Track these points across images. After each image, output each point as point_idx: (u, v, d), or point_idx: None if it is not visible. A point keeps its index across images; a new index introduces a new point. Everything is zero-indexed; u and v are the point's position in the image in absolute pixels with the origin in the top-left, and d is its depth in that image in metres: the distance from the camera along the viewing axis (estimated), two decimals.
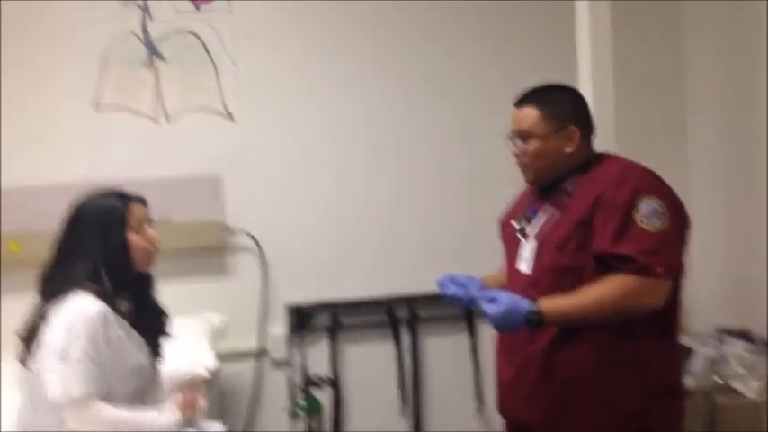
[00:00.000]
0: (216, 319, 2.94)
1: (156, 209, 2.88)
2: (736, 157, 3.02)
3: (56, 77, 2.97)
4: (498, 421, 2.34)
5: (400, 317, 3.21)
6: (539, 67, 3.14)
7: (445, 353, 3.26)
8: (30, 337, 1.92)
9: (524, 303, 1.82)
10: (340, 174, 3.18)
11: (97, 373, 1.86)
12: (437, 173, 3.24)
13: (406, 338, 3.23)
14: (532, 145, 1.98)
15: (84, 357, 1.84)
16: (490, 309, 1.82)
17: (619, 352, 1.91)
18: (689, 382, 2.64)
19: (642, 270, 1.81)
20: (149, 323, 2.06)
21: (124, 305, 1.97)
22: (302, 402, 3.00)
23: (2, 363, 2.35)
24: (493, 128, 3.13)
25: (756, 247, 2.91)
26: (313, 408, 2.97)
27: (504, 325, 1.84)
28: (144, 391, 2.03)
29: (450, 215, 3.24)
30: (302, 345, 3.15)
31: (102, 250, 1.94)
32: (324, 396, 3.11)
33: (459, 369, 3.25)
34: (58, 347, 1.84)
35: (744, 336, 2.80)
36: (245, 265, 3.12)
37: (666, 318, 1.94)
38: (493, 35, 3.23)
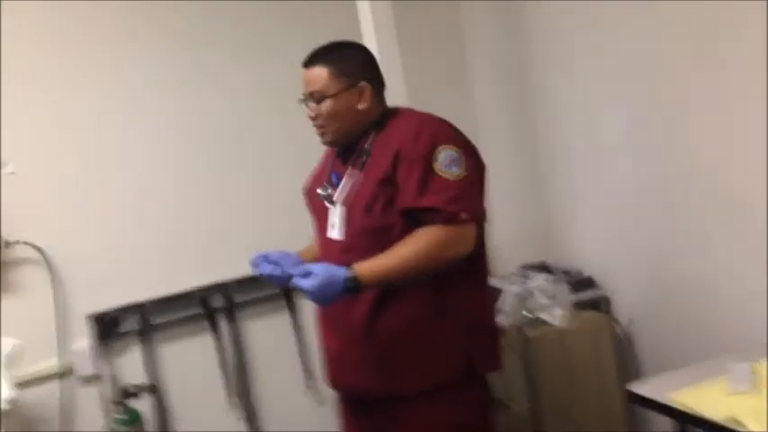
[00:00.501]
0: (8, 343, 2.66)
1: None
2: (519, 101, 3.18)
3: None
4: (330, 393, 2.32)
5: (215, 306, 3.08)
6: (322, 36, 3.12)
7: (267, 335, 3.17)
8: None
9: (340, 272, 1.78)
10: (126, 169, 2.97)
11: None
12: (228, 155, 3.12)
13: (224, 327, 3.10)
14: (325, 105, 1.95)
15: None
16: (307, 283, 1.76)
17: (435, 306, 1.93)
18: (502, 320, 2.77)
19: (449, 219, 1.83)
20: None
21: None
22: (120, 416, 2.79)
23: None
24: (279, 97, 3.12)
25: (546, 186, 3.09)
26: (132, 420, 2.77)
27: (324, 297, 1.79)
28: None
29: (247, 195, 3.14)
30: (111, 355, 2.92)
31: None
32: (146, 405, 2.92)
33: (284, 348, 3.18)
34: None
35: (544, 268, 2.97)
36: (33, 278, 2.83)
37: (475, 263, 1.98)
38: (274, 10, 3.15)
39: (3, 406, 2.42)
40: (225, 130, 3.12)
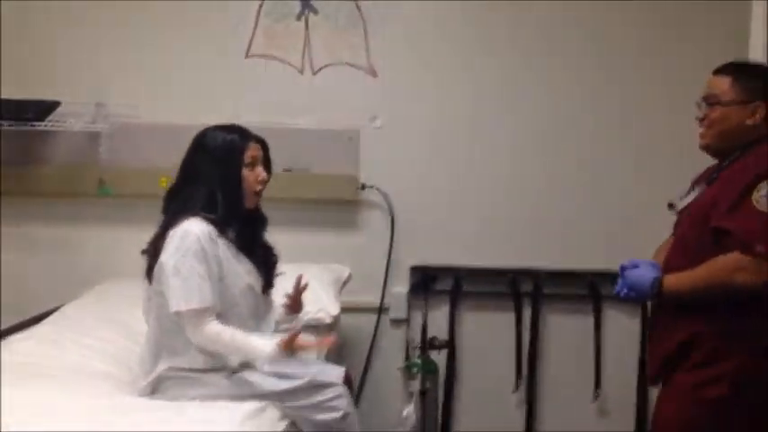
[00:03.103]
0: (343, 270, 3.01)
1: (296, 158, 3.06)
2: None
3: (214, 26, 3.10)
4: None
5: (523, 290, 3.17)
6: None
7: (566, 332, 3.19)
8: (153, 255, 2.08)
9: (650, 275, 1.98)
10: (479, 139, 3.15)
11: (207, 288, 2.01)
12: (588, 149, 3.14)
13: (527, 312, 3.18)
14: (715, 111, 2.01)
15: (193, 273, 1.99)
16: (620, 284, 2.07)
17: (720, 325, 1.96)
18: None
19: (743, 246, 1.86)
20: (258, 254, 2.18)
21: (232, 234, 2.10)
22: (418, 362, 3.02)
23: None
24: (658, 108, 3.08)
25: None
26: (429, 368, 2.99)
27: (635, 296, 2.05)
28: (256, 316, 2.15)
29: (590, 194, 3.14)
30: (422, 306, 3.17)
31: (219, 180, 2.08)
32: (439, 358, 3.12)
33: (580, 350, 3.17)
34: (171, 265, 2.00)
35: None
36: (375, 221, 3.16)
37: None
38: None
39: (327, 320, 2.75)
40: (607, 124, 3.14)
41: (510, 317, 3.18)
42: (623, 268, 2.06)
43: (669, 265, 2.02)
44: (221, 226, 2.07)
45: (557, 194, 3.16)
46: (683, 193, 2.13)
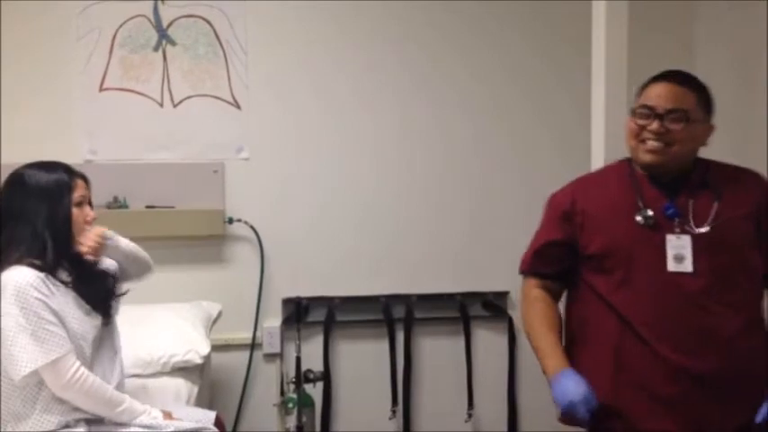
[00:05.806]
0: (212, 307, 2.93)
1: (159, 195, 2.96)
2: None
3: (65, 59, 2.96)
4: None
5: (396, 316, 3.20)
6: (553, 72, 3.17)
7: (439, 354, 3.25)
8: None
9: None
10: (344, 168, 3.16)
11: (60, 333, 1.88)
12: (443, 173, 3.22)
13: (400, 337, 3.21)
14: (685, 128, 1.82)
15: (41, 324, 1.85)
16: None
17: None
18: None
19: None
20: (94, 290, 2.04)
21: (65, 275, 1.97)
22: (293, 396, 2.97)
23: None
24: (502, 132, 3.20)
25: None
26: (304, 402, 2.94)
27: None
28: (97, 356, 2.03)
29: (453, 217, 3.22)
30: (296, 338, 3.12)
31: (46, 219, 1.94)
32: (315, 391, 3.09)
33: (454, 370, 3.24)
34: (11, 324, 1.84)
35: None
36: (244, 255, 3.10)
37: None
38: (509, 39, 3.22)
39: (197, 361, 2.66)
40: (454, 153, 3.22)
41: (384, 343, 3.19)
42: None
43: (714, 295, 1.78)
44: (52, 270, 1.92)
45: (422, 219, 3.21)
46: (648, 208, 1.85)
